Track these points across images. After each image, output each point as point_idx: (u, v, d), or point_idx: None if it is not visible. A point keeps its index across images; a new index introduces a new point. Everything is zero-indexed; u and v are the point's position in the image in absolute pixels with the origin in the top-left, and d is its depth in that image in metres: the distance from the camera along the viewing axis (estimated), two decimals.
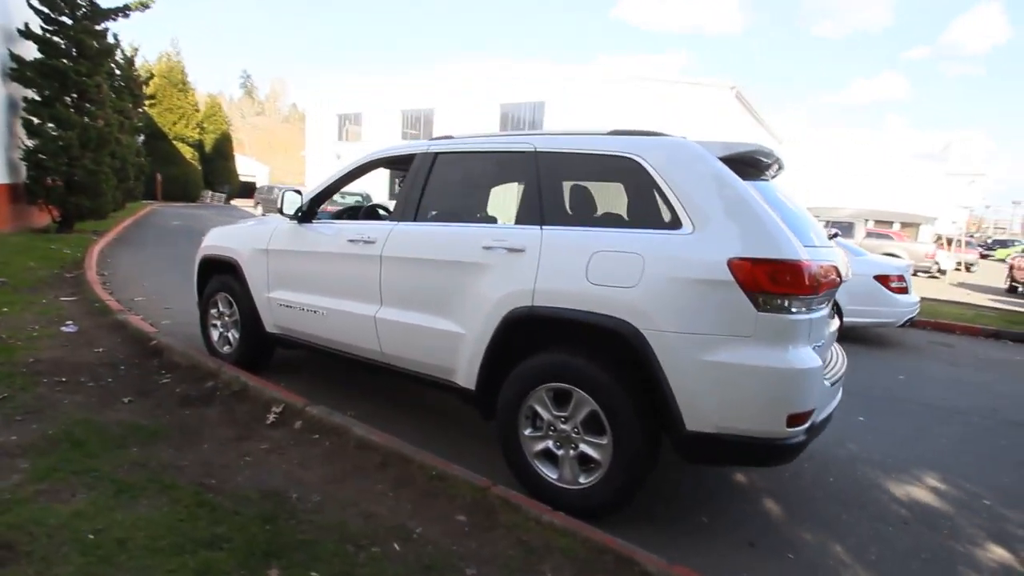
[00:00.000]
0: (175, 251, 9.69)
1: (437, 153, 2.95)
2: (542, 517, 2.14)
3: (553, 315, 2.31)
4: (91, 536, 1.88)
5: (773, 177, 2.64)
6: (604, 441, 2.23)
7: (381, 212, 4.09)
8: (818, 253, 2.17)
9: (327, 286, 3.22)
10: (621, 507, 2.26)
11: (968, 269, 19.28)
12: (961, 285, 15.31)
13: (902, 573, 2.16)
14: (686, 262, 2.06)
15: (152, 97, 23.50)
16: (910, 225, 18.97)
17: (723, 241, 2.03)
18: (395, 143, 3.79)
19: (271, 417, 3.05)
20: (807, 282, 1.96)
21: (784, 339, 1.99)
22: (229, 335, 3.99)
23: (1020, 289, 14.15)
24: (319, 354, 3.48)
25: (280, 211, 3.40)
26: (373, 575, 1.82)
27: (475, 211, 2.86)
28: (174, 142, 26.95)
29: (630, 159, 2.30)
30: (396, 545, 1.99)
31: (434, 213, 2.91)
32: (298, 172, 49.52)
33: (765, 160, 2.44)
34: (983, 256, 25.71)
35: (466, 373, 2.63)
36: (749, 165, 2.40)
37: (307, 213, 3.40)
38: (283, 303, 3.49)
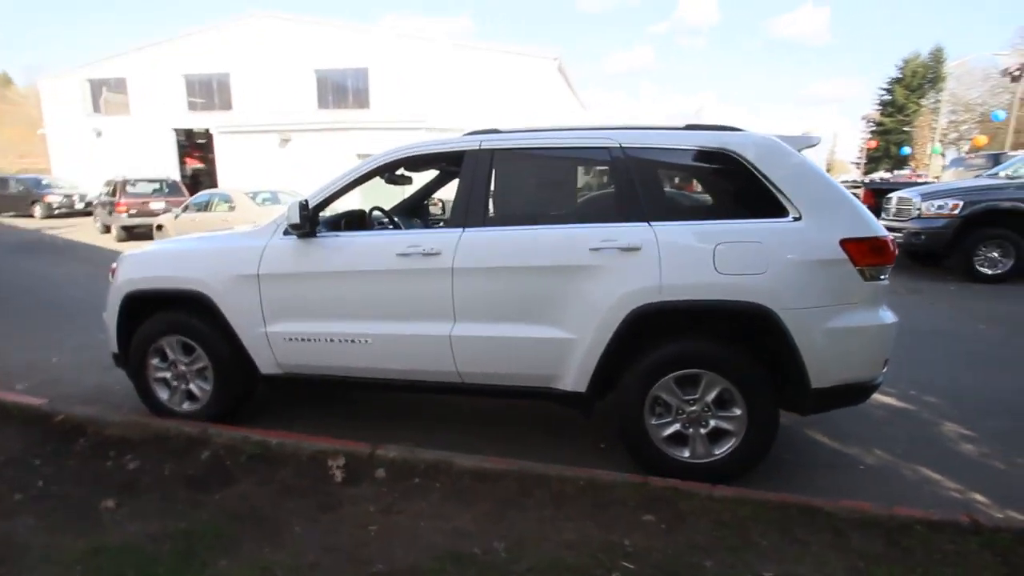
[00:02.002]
0: None
1: (494, 150, 2.72)
2: (713, 493, 2.31)
3: (685, 307, 2.42)
4: None
5: None
6: (737, 413, 2.46)
7: (379, 217, 3.57)
8: None
9: (370, 310, 2.77)
10: (754, 467, 2.54)
11: None
12: None
13: (947, 463, 2.83)
14: (804, 246, 2.36)
15: None
16: None
17: (831, 225, 2.37)
18: (424, 139, 3.23)
19: (338, 474, 2.58)
20: (893, 253, 2.42)
21: (878, 301, 2.45)
22: (192, 388, 3.15)
23: None
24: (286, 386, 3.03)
25: (291, 227, 2.75)
26: None
27: (557, 211, 2.73)
28: None
29: (728, 154, 2.47)
30: (627, 563, 1.96)
31: (505, 216, 2.70)
32: (27, 155, 37.77)
33: (810, 149, 2.85)
34: None
35: (575, 377, 2.59)
36: None
37: (311, 226, 2.83)
38: (294, 337, 2.89)
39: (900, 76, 45.43)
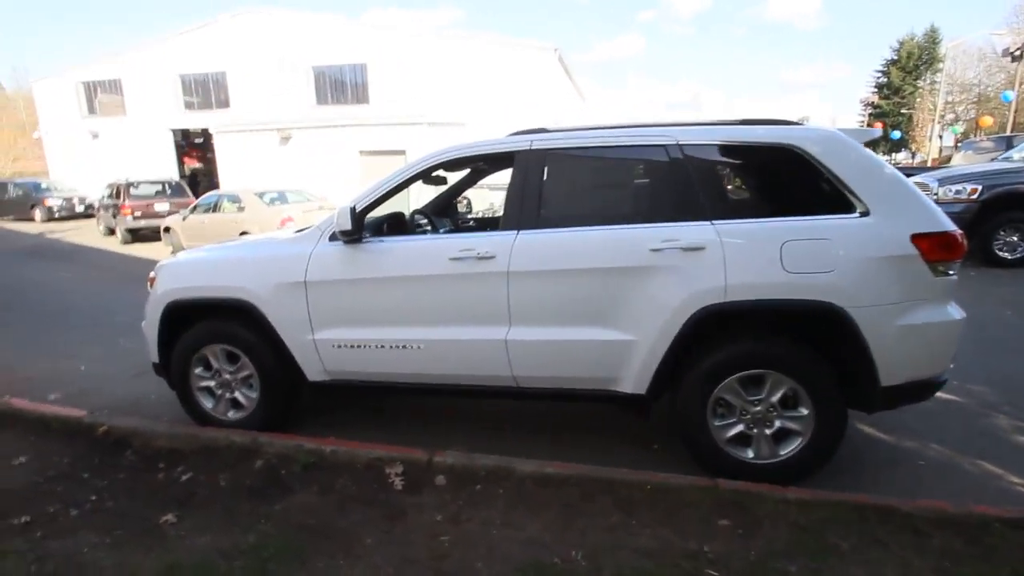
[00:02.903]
0: None
1: (546, 150, 2.66)
2: (786, 496, 2.29)
3: (751, 307, 2.38)
4: None
5: None
6: (804, 412, 2.43)
7: (421, 220, 3.51)
8: None
9: (422, 315, 2.73)
10: (821, 468, 2.52)
11: None
12: None
13: (1006, 455, 2.81)
14: (874, 242, 2.31)
15: None
16: None
17: (901, 220, 2.32)
18: (469, 140, 2.80)
19: (397, 482, 2.55)
20: (963, 247, 2.38)
21: (946, 296, 2.41)
22: (237, 396, 3.11)
23: None
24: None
25: (340, 233, 2.70)
26: None
27: (613, 212, 2.67)
28: None
29: (791, 149, 2.42)
30: (712, 571, 1.93)
31: (560, 217, 2.64)
32: (19, 158, 37.33)
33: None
34: None
35: (636, 379, 2.55)
36: None
37: (359, 231, 2.77)
38: (343, 344, 2.84)
39: (895, 58, 45.18)
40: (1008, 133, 19.24)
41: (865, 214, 2.35)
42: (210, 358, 3.08)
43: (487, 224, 3.86)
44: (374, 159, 17.07)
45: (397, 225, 3.28)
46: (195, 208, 10.46)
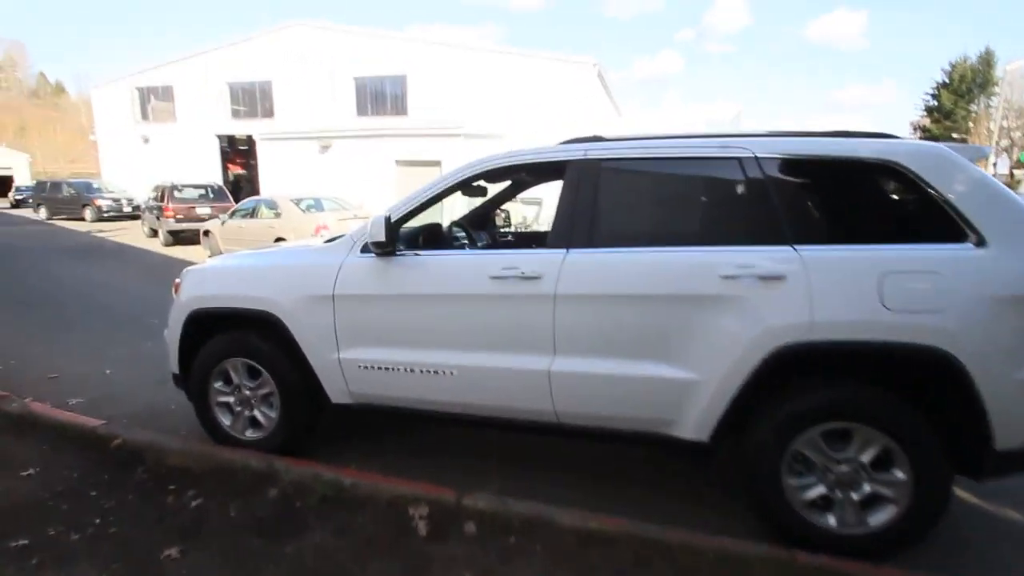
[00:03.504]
0: None
1: (601, 160, 2.39)
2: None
3: (841, 349, 2.03)
4: None
5: None
6: (900, 477, 2.06)
7: (458, 233, 3.28)
8: None
9: (457, 338, 2.47)
10: (919, 542, 2.13)
11: None
12: None
13: None
14: (994, 278, 1.95)
15: None
16: None
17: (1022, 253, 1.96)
18: (518, 148, 2.52)
19: (421, 525, 2.28)
20: None
21: None
22: (256, 415, 2.91)
23: None
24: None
25: (373, 244, 2.48)
26: None
27: (677, 231, 2.38)
28: None
29: (891, 166, 2.09)
30: None
31: (616, 236, 2.36)
32: (77, 160, 39.31)
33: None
34: None
35: (697, 423, 2.23)
36: None
37: (393, 244, 2.54)
38: (370, 365, 2.61)
39: (947, 81, 43.39)
40: None
41: (980, 244, 1.99)
42: (231, 372, 2.89)
43: (529, 240, 3.60)
44: (410, 169, 17.14)
45: (434, 238, 3.05)
46: (233, 213, 10.58)
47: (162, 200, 13.68)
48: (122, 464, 2.79)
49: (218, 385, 2.93)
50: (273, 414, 2.85)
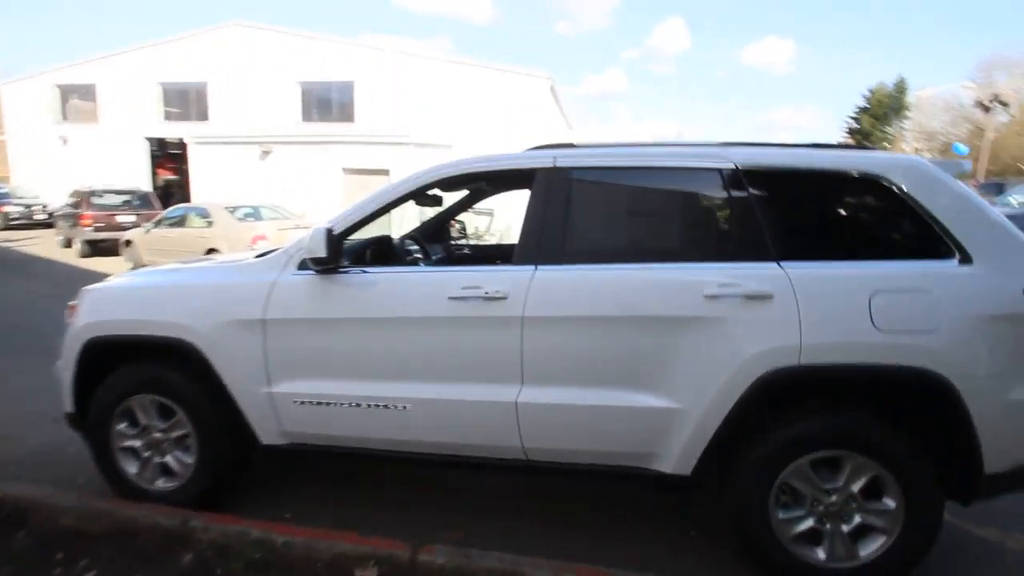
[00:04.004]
0: None
1: (571, 169, 2.17)
2: None
3: (832, 373, 1.89)
4: None
5: None
6: (890, 505, 1.93)
7: (411, 247, 2.96)
8: None
9: (411, 368, 2.17)
10: (910, 571, 2.00)
11: None
12: None
13: None
14: (982, 296, 1.86)
15: None
16: None
17: (1011, 270, 1.88)
18: (483, 154, 2.37)
19: None
20: None
21: None
22: (169, 461, 2.47)
23: None
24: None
25: (312, 260, 2.14)
26: None
27: (655, 247, 2.17)
28: None
29: (874, 179, 1.98)
30: None
31: (589, 252, 2.13)
32: None
33: None
34: None
35: (678, 456, 2.03)
36: None
37: (336, 259, 2.21)
38: (308, 399, 2.26)
39: (867, 105, 46.98)
40: (1004, 179, 19.62)
41: (965, 261, 1.90)
42: (137, 411, 2.45)
43: (489, 254, 3.33)
44: (358, 178, 16.55)
45: (384, 252, 2.73)
46: (159, 221, 9.72)
47: (79, 207, 12.51)
48: (1, 526, 2.28)
49: (122, 427, 2.48)
50: (189, 459, 2.43)
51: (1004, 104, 23.91)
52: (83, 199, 12.51)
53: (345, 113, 20.12)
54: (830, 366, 1.88)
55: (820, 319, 1.88)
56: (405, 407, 2.18)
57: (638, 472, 2.12)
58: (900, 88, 46.25)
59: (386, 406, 2.19)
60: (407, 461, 2.34)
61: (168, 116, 21.79)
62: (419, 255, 3.00)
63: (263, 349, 2.26)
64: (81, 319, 2.47)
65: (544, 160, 2.20)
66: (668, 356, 1.99)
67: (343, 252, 2.30)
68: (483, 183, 2.90)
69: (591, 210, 2.18)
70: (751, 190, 2.04)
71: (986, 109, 24.33)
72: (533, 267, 2.10)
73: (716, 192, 2.09)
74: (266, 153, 17.82)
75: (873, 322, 1.85)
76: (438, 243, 3.49)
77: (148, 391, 2.41)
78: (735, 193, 2.05)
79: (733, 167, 2.06)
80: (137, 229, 10.26)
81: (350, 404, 2.22)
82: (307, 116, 20.49)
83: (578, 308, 2.04)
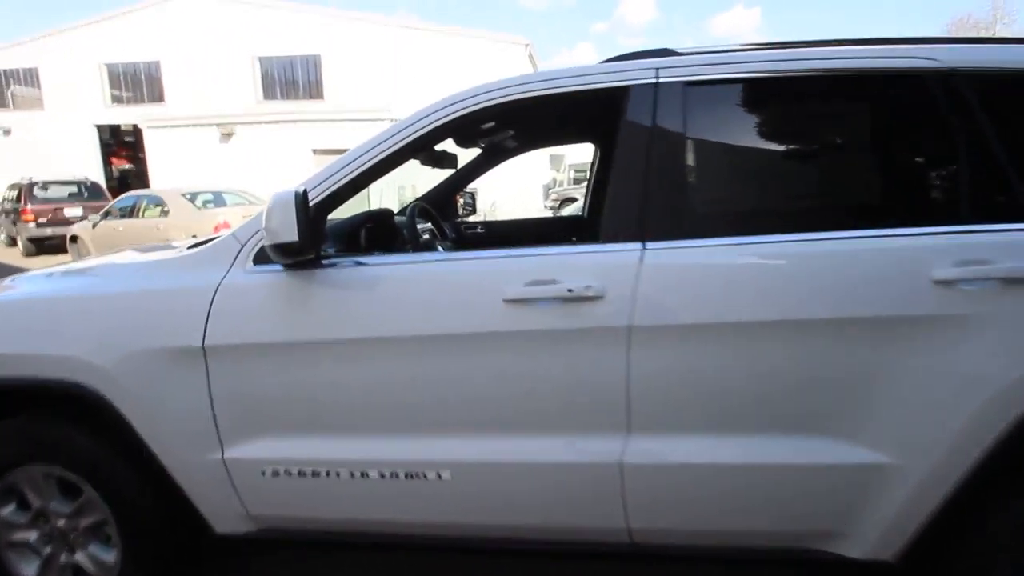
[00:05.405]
0: None
1: (690, 84, 1.35)
2: None
3: None
4: None
5: None
6: None
7: (422, 224, 2.10)
8: None
9: (448, 414, 1.37)
10: None
11: None
12: None
13: None
14: None
15: None
16: None
17: None
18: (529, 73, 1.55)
19: None
20: None
21: None
22: (80, 559, 1.65)
23: None
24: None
25: (274, 248, 1.30)
26: None
27: (833, 205, 1.37)
28: None
29: None
30: None
31: (726, 218, 1.34)
32: None
33: None
34: None
35: (881, 534, 1.29)
36: None
37: (315, 244, 1.37)
38: (281, 469, 1.45)
39: None
40: None
41: None
42: (26, 490, 1.61)
43: (526, 232, 2.48)
44: (330, 158, 15.36)
45: (384, 234, 1.88)
46: (108, 213, 8.61)
47: (20, 201, 11.30)
48: None
49: (6, 512, 1.64)
50: (110, 556, 1.61)
51: None
52: (24, 192, 11.31)
53: (312, 90, 18.80)
54: None
55: None
56: (441, 475, 1.38)
57: (807, 556, 1.37)
58: None
59: (411, 474, 1.39)
60: (441, 550, 1.56)
61: (119, 99, 20.11)
62: (434, 237, 2.16)
63: (207, 394, 1.43)
64: None
65: (641, 74, 1.38)
66: (870, 383, 1.23)
67: (325, 234, 1.47)
68: (528, 123, 2.04)
69: (727, 151, 1.38)
70: (977, 107, 1.26)
71: None
72: (639, 245, 1.30)
73: (920, 110, 1.31)
74: (227, 135, 16.53)
75: None
76: (447, 222, 2.66)
77: (39, 460, 1.57)
78: (941, 107, 1.27)
79: (945, 68, 1.27)
80: (83, 223, 9.13)
81: (351, 473, 1.42)
82: (269, 94, 19.09)
83: (719, 310, 1.26)
